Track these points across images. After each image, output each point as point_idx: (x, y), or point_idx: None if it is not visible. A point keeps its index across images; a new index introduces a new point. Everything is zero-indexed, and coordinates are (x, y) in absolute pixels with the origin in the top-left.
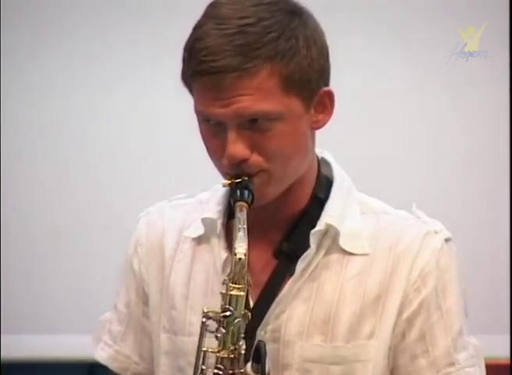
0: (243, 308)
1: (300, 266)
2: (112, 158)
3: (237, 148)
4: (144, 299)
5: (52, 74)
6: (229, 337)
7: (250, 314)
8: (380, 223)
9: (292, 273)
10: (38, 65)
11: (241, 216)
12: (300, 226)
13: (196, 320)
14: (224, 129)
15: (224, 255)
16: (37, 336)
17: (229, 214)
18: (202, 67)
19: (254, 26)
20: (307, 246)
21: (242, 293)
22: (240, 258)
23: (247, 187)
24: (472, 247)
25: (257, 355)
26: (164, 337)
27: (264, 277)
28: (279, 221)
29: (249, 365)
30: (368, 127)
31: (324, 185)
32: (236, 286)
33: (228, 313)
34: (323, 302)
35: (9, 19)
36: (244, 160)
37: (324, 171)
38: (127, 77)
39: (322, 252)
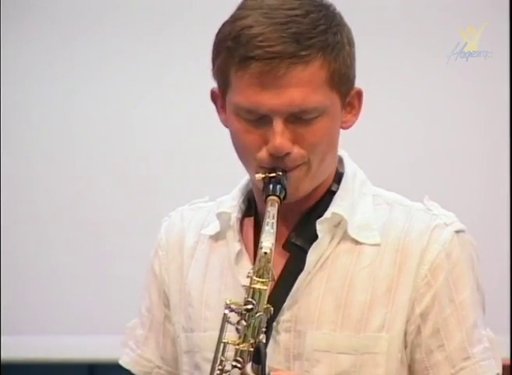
0: (265, 302)
1: (311, 256)
2: (113, 160)
3: (284, 139)
4: (166, 302)
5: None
6: (250, 330)
7: (272, 309)
8: (393, 214)
9: (304, 264)
10: (40, 65)
11: (271, 210)
12: (309, 218)
13: (211, 315)
14: (265, 122)
15: (237, 247)
16: (37, 337)
17: (246, 208)
18: (257, 52)
19: (303, 17)
20: (316, 236)
21: (265, 287)
22: (265, 253)
23: (280, 182)
24: None
25: (258, 356)
26: (182, 337)
27: (278, 270)
28: (294, 216)
29: (249, 366)
30: (366, 127)
31: (338, 181)
32: (260, 280)
33: (250, 306)
34: (333, 291)
35: (11, 19)
36: (287, 153)
37: (340, 168)
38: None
39: (334, 243)
